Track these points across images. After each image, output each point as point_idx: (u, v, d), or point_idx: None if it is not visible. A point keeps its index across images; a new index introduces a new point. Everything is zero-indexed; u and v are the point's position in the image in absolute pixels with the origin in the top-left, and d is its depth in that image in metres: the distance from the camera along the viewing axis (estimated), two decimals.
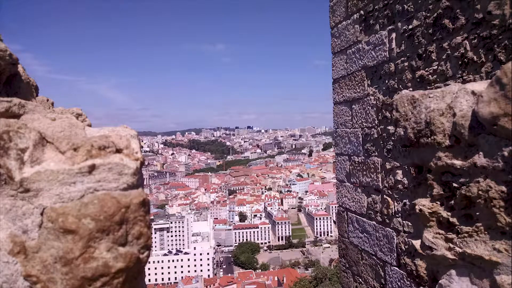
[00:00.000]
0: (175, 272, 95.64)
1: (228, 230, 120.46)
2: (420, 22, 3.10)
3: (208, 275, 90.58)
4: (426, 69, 3.05)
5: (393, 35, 3.50)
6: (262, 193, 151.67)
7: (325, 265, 71.15)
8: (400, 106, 1.62)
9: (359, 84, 4.17)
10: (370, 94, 3.95)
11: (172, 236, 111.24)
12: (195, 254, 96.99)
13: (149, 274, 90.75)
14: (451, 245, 1.42)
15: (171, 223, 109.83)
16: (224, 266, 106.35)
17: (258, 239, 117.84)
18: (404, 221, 3.42)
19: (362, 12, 4.05)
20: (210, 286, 77.68)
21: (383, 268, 3.78)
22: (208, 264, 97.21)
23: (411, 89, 3.27)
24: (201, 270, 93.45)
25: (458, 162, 1.36)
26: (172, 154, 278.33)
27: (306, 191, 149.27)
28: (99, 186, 1.07)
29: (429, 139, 1.46)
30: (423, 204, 1.55)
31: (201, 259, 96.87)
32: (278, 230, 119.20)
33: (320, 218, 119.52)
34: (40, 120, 1.16)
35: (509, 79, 1.12)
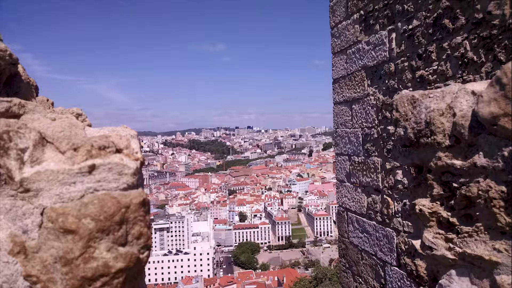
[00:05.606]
0: (175, 272, 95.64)
1: (228, 230, 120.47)
2: (420, 22, 3.10)
3: (208, 275, 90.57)
4: (426, 69, 3.05)
5: (393, 35, 3.50)
6: (262, 193, 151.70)
7: (325, 265, 71.11)
8: (400, 106, 1.62)
9: (359, 84, 4.17)
10: (370, 94, 3.95)
11: (172, 236, 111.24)
12: (195, 254, 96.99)
13: (149, 274, 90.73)
14: (451, 245, 1.42)
15: (171, 223, 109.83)
16: (224, 266, 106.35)
17: (258, 239, 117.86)
18: (404, 221, 3.42)
19: (362, 12, 4.05)
20: (210, 286, 77.66)
21: (383, 268, 3.78)
22: (208, 264, 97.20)
23: (411, 89, 3.26)
24: (201, 270, 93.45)
25: (458, 162, 1.36)
26: (172, 154, 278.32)
27: (306, 191, 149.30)
28: (99, 186, 1.07)
29: (429, 139, 1.46)
30: (423, 204, 1.55)
31: (201, 259, 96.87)
32: (278, 230, 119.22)
33: (320, 218, 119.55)
34: (40, 120, 1.16)
35: (509, 79, 1.12)
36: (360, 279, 4.30)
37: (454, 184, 1.39)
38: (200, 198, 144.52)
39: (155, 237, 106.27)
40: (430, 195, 1.52)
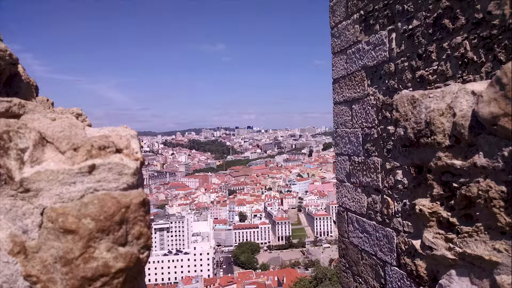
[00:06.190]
0: (175, 272, 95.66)
1: (228, 230, 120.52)
2: (420, 22, 3.10)
3: (208, 275, 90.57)
4: (426, 69, 3.05)
5: (393, 35, 3.50)
6: (262, 193, 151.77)
7: (325, 265, 71.10)
8: (400, 106, 1.62)
9: (359, 84, 4.17)
10: (370, 94, 3.95)
11: (172, 236, 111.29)
12: (195, 254, 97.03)
13: (149, 274, 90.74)
14: (451, 245, 1.42)
15: (171, 223, 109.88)
16: (224, 266, 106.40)
17: (258, 239, 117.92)
18: (404, 221, 3.42)
19: (362, 12, 4.05)
20: (210, 286, 77.66)
21: (383, 268, 3.78)
22: (208, 264, 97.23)
23: (411, 89, 3.26)
24: (201, 270, 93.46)
25: (458, 162, 1.36)
26: (172, 154, 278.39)
27: (306, 191, 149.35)
28: (99, 186, 1.07)
29: (429, 139, 1.46)
30: (423, 204, 1.55)
31: (201, 259, 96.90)
32: (278, 230, 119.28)
33: (320, 218, 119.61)
34: (40, 120, 1.16)
35: (509, 79, 1.12)
36: (360, 279, 4.30)
37: (454, 184, 1.39)
38: (200, 198, 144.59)
39: (155, 237, 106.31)
40: (430, 195, 1.52)
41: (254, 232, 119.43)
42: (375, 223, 3.92)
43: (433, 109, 1.44)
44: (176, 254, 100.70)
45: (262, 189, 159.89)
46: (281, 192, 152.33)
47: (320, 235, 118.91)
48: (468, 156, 1.32)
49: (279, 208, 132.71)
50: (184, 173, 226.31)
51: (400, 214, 3.48)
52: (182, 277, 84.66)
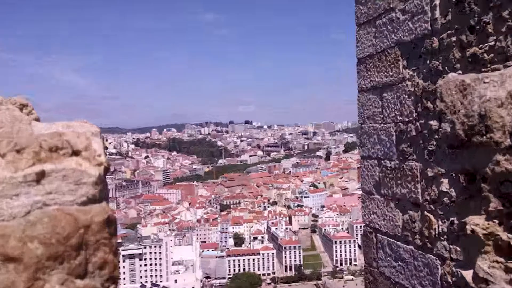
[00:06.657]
0: None
1: (219, 257, 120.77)
2: None
3: None
4: (480, 45, 3.05)
5: (437, 1, 3.50)
6: (265, 209, 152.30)
7: None
8: (446, 94, 1.62)
9: (392, 66, 4.18)
10: (406, 78, 3.95)
11: (146, 265, 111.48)
12: None
13: None
14: None
15: (145, 248, 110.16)
16: None
17: (259, 269, 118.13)
18: (450, 246, 3.42)
19: None
20: None
21: None
22: None
23: (460, 72, 3.27)
24: None
25: None
26: (146, 157, 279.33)
27: (322, 206, 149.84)
28: (50, 200, 1.07)
29: (484, 137, 1.46)
30: (476, 223, 1.55)
31: None
32: (285, 257, 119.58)
33: (340, 242, 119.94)
34: None
35: None
36: None
37: None
38: (182, 216, 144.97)
39: (124, 266, 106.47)
40: (485, 211, 1.52)
41: (253, 260, 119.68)
42: (413, 248, 3.92)
43: (489, 98, 1.44)
44: None
45: (264, 203, 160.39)
46: (289, 207, 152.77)
47: (341, 264, 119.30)
48: None
49: (286, 228, 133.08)
50: (162, 182, 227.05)
51: (445, 237, 3.48)
52: None
